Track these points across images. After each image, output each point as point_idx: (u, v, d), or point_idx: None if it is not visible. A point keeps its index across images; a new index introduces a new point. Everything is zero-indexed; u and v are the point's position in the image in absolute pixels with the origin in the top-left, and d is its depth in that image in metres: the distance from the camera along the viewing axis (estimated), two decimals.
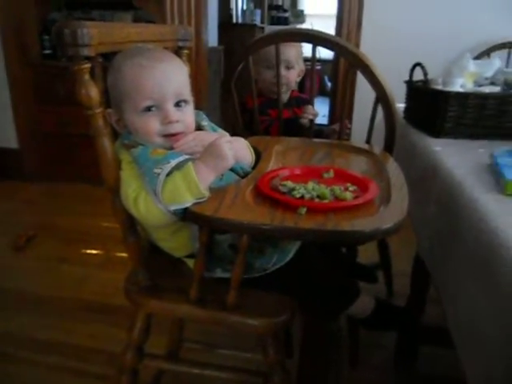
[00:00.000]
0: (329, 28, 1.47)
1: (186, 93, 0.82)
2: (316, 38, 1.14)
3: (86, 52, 0.67)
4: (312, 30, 1.17)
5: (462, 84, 1.17)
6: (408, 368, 1.35)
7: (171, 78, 0.79)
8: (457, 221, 0.76)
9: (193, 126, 0.83)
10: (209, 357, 1.18)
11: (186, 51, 1.02)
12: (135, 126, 0.79)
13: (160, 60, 0.79)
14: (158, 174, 0.71)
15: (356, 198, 0.74)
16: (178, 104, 0.80)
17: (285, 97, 1.46)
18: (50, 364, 1.34)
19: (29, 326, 1.50)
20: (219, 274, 0.84)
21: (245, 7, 5.03)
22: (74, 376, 1.29)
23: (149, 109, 0.78)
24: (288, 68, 1.42)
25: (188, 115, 0.82)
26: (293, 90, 1.51)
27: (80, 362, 1.34)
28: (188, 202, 0.70)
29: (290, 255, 0.86)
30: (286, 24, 5.76)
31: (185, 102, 0.81)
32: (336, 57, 2.47)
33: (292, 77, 1.44)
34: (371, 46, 2.06)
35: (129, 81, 0.77)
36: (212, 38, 3.17)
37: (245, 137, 0.94)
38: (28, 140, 2.89)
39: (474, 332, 0.67)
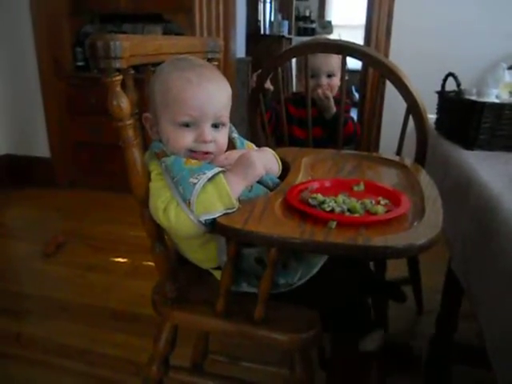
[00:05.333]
0: (357, 38, 1.46)
1: (225, 115, 0.82)
2: (346, 49, 1.13)
3: (118, 64, 0.67)
4: (342, 41, 1.16)
5: (497, 95, 1.14)
6: None
7: (215, 99, 0.79)
8: (495, 235, 0.73)
9: (224, 147, 0.83)
10: (234, 370, 1.17)
11: (215, 63, 1.03)
12: (167, 136, 0.79)
13: (208, 79, 0.79)
14: (195, 184, 0.71)
15: (388, 211, 0.72)
16: (215, 125, 0.80)
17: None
18: (76, 371, 1.35)
19: (56, 332, 1.52)
20: (245, 288, 0.84)
21: (272, 18, 5.06)
22: None
23: (186, 124, 0.78)
24: (330, 76, 1.44)
25: (222, 137, 0.82)
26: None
27: (106, 371, 1.35)
28: (218, 211, 0.70)
29: (316, 269, 0.84)
30: (313, 35, 5.77)
31: (222, 124, 0.82)
32: (364, 67, 2.44)
33: (334, 83, 1.46)
34: (401, 55, 2.04)
35: (173, 93, 0.77)
36: (240, 49, 3.19)
37: (272, 148, 0.93)
38: (59, 149, 2.97)
39: None
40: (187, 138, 0.78)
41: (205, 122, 0.78)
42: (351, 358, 0.90)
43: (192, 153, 0.79)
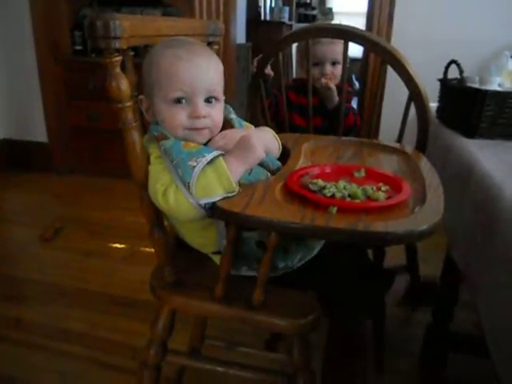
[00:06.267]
0: (358, 26, 1.43)
1: (218, 90, 0.81)
2: (348, 34, 1.11)
3: (117, 44, 0.66)
4: (344, 26, 1.15)
5: (499, 83, 1.13)
6: (435, 374, 1.31)
7: (205, 73, 0.78)
8: (496, 223, 0.73)
9: (220, 123, 0.82)
10: (231, 355, 1.17)
11: (215, 46, 1.01)
12: (163, 115, 0.78)
13: (198, 55, 0.78)
14: (194, 167, 0.70)
15: (389, 198, 0.71)
16: (208, 100, 0.79)
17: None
18: (75, 354, 1.35)
19: (55, 317, 1.53)
20: (244, 272, 0.84)
21: (273, 4, 5.02)
22: (98, 367, 1.30)
23: (178, 100, 0.77)
24: (334, 64, 1.42)
25: (217, 112, 0.81)
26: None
27: (104, 355, 1.35)
28: (218, 195, 0.69)
29: (315, 251, 0.85)
30: (314, 22, 5.71)
31: (215, 98, 0.80)
32: (366, 54, 2.42)
33: (338, 72, 1.43)
34: (403, 43, 1.99)
35: (163, 69, 0.76)
36: (240, 34, 3.17)
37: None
38: (57, 134, 2.94)
39: None
40: (181, 115, 0.77)
41: (196, 96, 0.77)
42: (349, 342, 0.90)
43: (190, 131, 0.78)
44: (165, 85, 0.76)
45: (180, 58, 0.76)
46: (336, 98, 1.40)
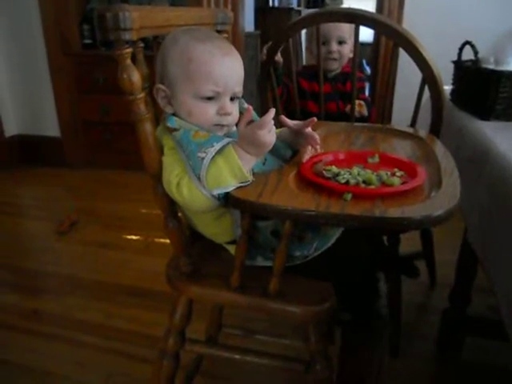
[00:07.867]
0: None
1: (241, 89, 0.81)
2: (359, 18, 1.09)
3: (127, 36, 0.66)
4: (354, 9, 1.12)
5: None
6: (450, 358, 1.31)
7: (235, 72, 0.79)
8: None
9: (237, 120, 0.83)
10: (248, 343, 1.18)
11: (224, 35, 1.01)
12: (190, 109, 0.78)
13: (227, 52, 0.78)
14: (203, 159, 0.70)
15: (404, 183, 0.71)
16: (231, 98, 0.80)
17: (335, 69, 1.45)
18: (92, 344, 1.38)
19: (71, 308, 1.55)
20: (260, 262, 0.84)
21: None
22: (116, 357, 1.32)
23: (209, 97, 0.77)
24: (341, 43, 1.40)
25: (236, 109, 0.82)
26: (346, 65, 1.48)
27: (121, 344, 1.37)
28: (231, 185, 0.69)
29: (332, 241, 0.84)
30: (323, 7, 5.63)
31: (237, 97, 0.81)
32: (376, 37, 2.38)
33: (345, 51, 1.42)
34: (415, 24, 1.96)
35: (196, 65, 0.75)
36: (248, 22, 3.14)
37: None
38: (69, 128, 2.96)
39: None
40: (211, 112, 0.77)
41: (226, 94, 0.78)
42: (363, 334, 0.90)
43: (214, 126, 0.78)
44: (197, 80, 0.76)
45: (213, 55, 0.76)
46: (366, 113, 1.38)
